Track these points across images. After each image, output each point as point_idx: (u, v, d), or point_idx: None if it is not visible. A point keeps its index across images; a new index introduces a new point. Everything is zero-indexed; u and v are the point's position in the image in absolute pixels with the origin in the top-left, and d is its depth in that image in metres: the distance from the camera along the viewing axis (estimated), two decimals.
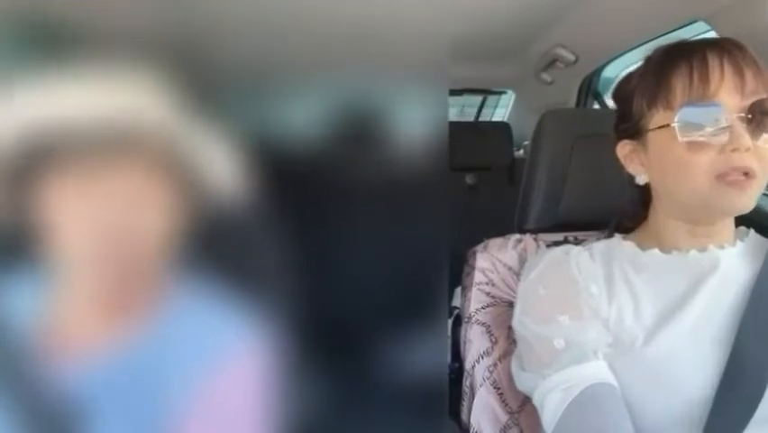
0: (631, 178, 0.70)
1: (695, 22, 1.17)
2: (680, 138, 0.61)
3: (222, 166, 0.50)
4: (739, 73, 0.60)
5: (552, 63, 1.85)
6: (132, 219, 0.48)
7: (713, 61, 0.61)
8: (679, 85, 0.62)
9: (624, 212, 0.77)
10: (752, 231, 0.72)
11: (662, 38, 1.30)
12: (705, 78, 0.60)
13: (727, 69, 0.61)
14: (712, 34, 1.12)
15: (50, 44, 0.47)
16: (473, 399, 0.80)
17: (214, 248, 0.54)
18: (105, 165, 0.46)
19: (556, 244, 0.86)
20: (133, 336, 0.51)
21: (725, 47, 0.62)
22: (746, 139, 0.59)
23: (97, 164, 0.46)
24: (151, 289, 0.53)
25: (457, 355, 0.87)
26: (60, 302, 0.52)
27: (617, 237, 0.74)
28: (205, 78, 0.53)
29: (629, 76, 0.70)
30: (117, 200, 0.47)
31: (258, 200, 0.53)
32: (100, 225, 0.47)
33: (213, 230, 0.52)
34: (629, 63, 1.61)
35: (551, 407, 0.62)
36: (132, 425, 0.50)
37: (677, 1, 1.15)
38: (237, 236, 0.55)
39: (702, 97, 0.60)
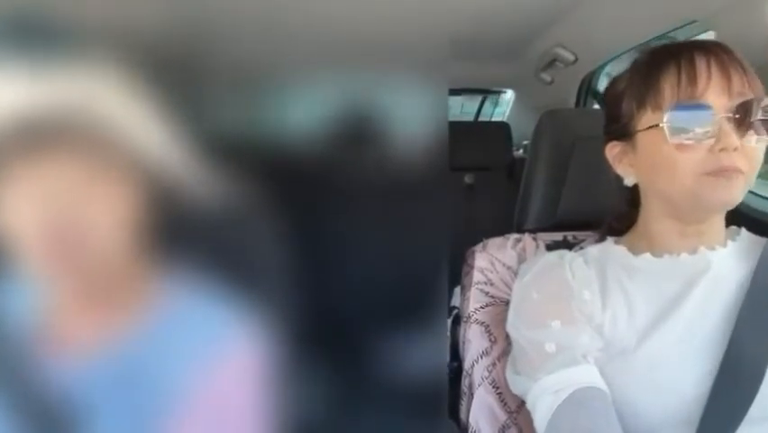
0: (620, 179, 0.71)
1: (694, 22, 1.17)
2: (669, 138, 0.61)
3: (183, 159, 0.50)
4: (726, 74, 0.61)
5: (551, 63, 1.86)
6: (79, 212, 0.47)
7: (700, 62, 0.62)
8: (667, 85, 0.62)
9: (614, 215, 0.77)
10: (743, 230, 0.72)
11: (662, 38, 1.30)
12: (693, 79, 0.61)
13: (714, 70, 0.61)
14: (710, 34, 1.12)
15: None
16: (472, 398, 0.80)
17: (208, 245, 0.54)
18: (41, 159, 0.45)
19: (555, 243, 0.86)
20: (129, 332, 0.51)
21: (711, 49, 0.63)
22: (734, 138, 0.59)
23: (33, 158, 0.45)
24: (136, 284, 0.52)
25: (456, 355, 0.87)
26: (44, 301, 0.51)
27: (610, 241, 0.75)
28: (200, 76, 0.53)
29: (617, 78, 0.71)
30: (59, 195, 0.46)
31: (256, 198, 0.53)
32: (45, 221, 0.46)
33: (197, 225, 0.52)
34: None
35: (541, 410, 0.63)
36: (129, 423, 0.50)
37: (676, 1, 1.15)
38: (233, 234, 0.55)
39: (690, 98, 0.61)
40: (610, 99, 0.71)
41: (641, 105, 0.65)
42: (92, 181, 0.47)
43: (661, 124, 0.62)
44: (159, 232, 0.50)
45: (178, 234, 0.52)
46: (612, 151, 0.70)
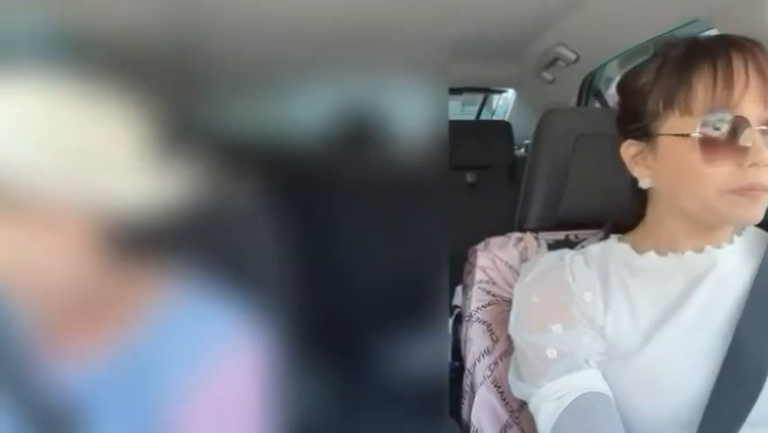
0: (634, 180, 0.67)
1: (695, 21, 1.17)
2: (699, 149, 0.58)
3: (176, 163, 0.48)
4: (763, 80, 0.57)
5: (553, 62, 1.86)
6: (37, 262, 0.46)
7: (738, 65, 0.57)
8: (701, 88, 0.58)
9: (621, 213, 0.75)
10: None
11: (664, 37, 1.30)
12: (729, 84, 0.57)
13: (752, 74, 0.57)
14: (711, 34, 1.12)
15: None
16: (474, 397, 0.80)
17: (208, 246, 0.54)
18: None
19: (557, 242, 0.86)
20: (128, 337, 0.51)
21: (749, 49, 0.58)
22: (766, 154, 0.56)
23: None
24: (127, 292, 0.52)
25: (458, 354, 0.87)
26: (35, 324, 0.51)
27: (613, 239, 0.73)
28: (199, 77, 0.53)
29: (638, 71, 0.66)
30: (9, 254, 0.45)
31: (255, 198, 0.53)
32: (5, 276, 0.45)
33: (196, 227, 0.51)
34: None
35: (544, 417, 0.63)
36: (130, 425, 0.50)
37: (677, 0, 1.15)
38: (234, 234, 0.55)
39: (725, 106, 0.57)
40: (630, 94, 0.66)
41: (669, 105, 0.61)
42: (36, 236, 0.46)
43: (693, 134, 0.58)
44: (139, 242, 0.49)
45: (172, 238, 0.52)
46: (628, 151, 0.66)
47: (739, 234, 0.68)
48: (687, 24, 1.20)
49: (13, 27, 0.45)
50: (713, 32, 1.11)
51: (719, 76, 0.57)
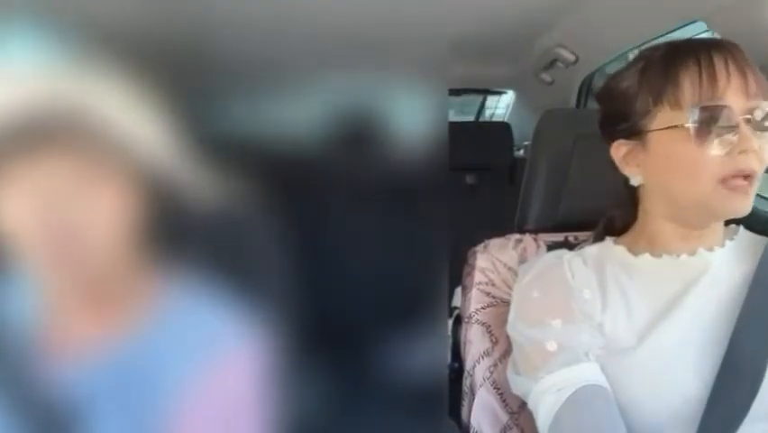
0: (626, 179, 0.69)
1: (694, 22, 1.17)
2: (694, 139, 0.60)
3: (184, 160, 0.49)
4: (743, 75, 0.60)
5: (552, 63, 1.86)
6: (76, 211, 0.46)
7: (719, 61, 0.60)
8: (687, 83, 0.61)
9: (612, 214, 0.76)
10: (741, 228, 0.71)
11: (662, 38, 1.30)
12: (713, 79, 0.60)
13: (732, 70, 0.60)
14: (711, 34, 1.12)
15: None
16: (473, 399, 0.80)
17: (209, 245, 0.54)
18: (39, 157, 0.45)
19: (556, 243, 0.86)
20: (128, 334, 0.51)
21: (728, 48, 0.62)
22: (753, 141, 0.59)
23: (30, 156, 0.45)
24: (135, 285, 0.52)
25: (457, 355, 0.87)
26: (42, 300, 0.51)
27: (609, 241, 0.74)
28: (202, 77, 0.53)
29: (621, 75, 0.69)
30: (56, 193, 0.46)
31: (256, 199, 0.54)
32: (41, 219, 0.46)
33: (198, 226, 0.52)
34: None
35: (544, 409, 0.63)
36: (129, 423, 0.50)
37: (677, 1, 1.15)
38: (233, 235, 0.55)
39: (711, 98, 0.60)
40: (615, 97, 0.68)
41: (658, 101, 0.63)
42: (90, 181, 0.47)
43: (687, 124, 0.60)
44: (158, 232, 0.50)
45: (179, 235, 0.52)
46: (619, 151, 0.68)
47: (731, 238, 0.69)
48: (686, 25, 1.20)
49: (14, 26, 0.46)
50: (711, 34, 1.11)
51: (704, 72, 0.61)
